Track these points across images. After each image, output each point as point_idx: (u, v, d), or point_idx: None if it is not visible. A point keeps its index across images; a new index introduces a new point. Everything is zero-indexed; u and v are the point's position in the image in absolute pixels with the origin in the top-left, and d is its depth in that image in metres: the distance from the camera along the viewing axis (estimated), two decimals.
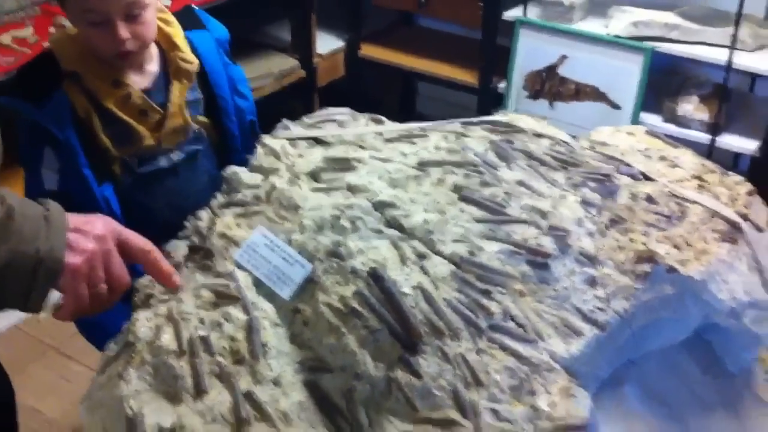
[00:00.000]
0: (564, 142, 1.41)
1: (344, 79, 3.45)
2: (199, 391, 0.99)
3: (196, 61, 1.57)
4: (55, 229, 1.02)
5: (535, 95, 3.07)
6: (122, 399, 1.00)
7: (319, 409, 1.00)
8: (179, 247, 1.24)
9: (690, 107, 2.88)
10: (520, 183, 1.22)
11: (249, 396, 0.98)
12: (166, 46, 1.56)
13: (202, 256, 1.19)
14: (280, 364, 1.03)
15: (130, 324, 1.07)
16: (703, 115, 2.86)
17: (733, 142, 2.87)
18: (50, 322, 2.74)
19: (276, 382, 1.01)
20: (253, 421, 0.97)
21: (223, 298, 1.09)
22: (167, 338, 1.04)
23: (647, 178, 1.36)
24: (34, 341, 2.69)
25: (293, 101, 3.26)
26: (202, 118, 1.62)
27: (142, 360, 1.03)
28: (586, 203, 1.21)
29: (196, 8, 1.67)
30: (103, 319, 1.22)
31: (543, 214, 1.16)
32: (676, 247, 1.20)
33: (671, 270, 1.14)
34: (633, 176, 1.34)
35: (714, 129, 2.85)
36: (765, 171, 2.82)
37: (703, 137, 2.84)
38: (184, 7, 1.68)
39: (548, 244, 1.11)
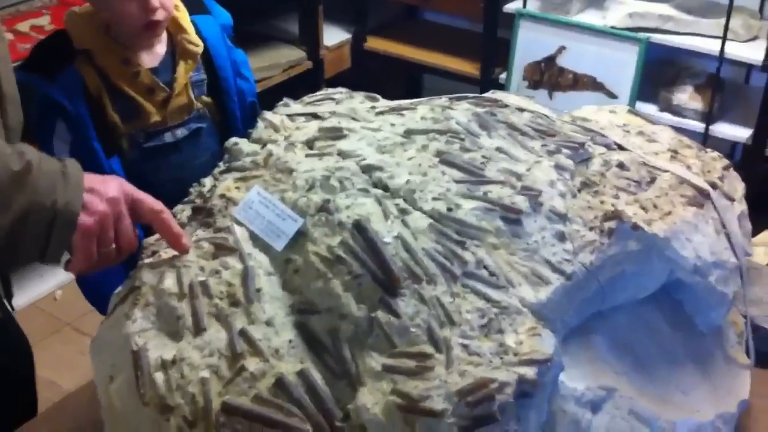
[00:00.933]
0: (545, 115, 1.50)
1: (350, 71, 3.56)
2: (198, 329, 1.09)
3: (201, 43, 1.68)
4: (72, 185, 1.10)
5: (534, 85, 3.16)
6: (128, 336, 1.10)
7: (308, 347, 1.10)
8: (184, 210, 1.35)
9: (685, 97, 2.97)
10: (499, 149, 1.31)
11: (243, 333, 1.08)
12: (174, 29, 1.67)
13: (204, 215, 1.29)
14: (272, 307, 1.12)
15: (135, 270, 1.18)
16: (698, 104, 2.95)
17: (726, 130, 2.96)
18: (66, 301, 2.88)
19: (268, 323, 1.11)
20: (247, 355, 1.07)
21: (222, 249, 1.19)
22: (170, 282, 1.14)
23: (621, 148, 1.45)
24: (51, 318, 2.81)
25: (300, 92, 3.37)
26: (206, 98, 1.72)
27: (147, 302, 1.13)
28: (559, 167, 1.30)
29: None
30: (108, 283, 1.32)
31: (518, 176, 1.25)
32: (643, 208, 1.29)
33: (636, 227, 1.23)
34: (607, 146, 1.43)
35: (708, 118, 2.93)
36: (756, 159, 2.91)
37: (698, 126, 2.93)
38: None
39: (521, 202, 1.20)
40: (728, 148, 3.08)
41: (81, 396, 1.53)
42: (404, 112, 1.46)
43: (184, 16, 1.68)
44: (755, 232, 1.75)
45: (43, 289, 2.92)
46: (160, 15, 1.56)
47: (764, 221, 2.04)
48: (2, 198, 1.06)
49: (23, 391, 1.67)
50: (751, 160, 2.93)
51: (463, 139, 1.32)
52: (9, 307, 1.62)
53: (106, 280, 1.54)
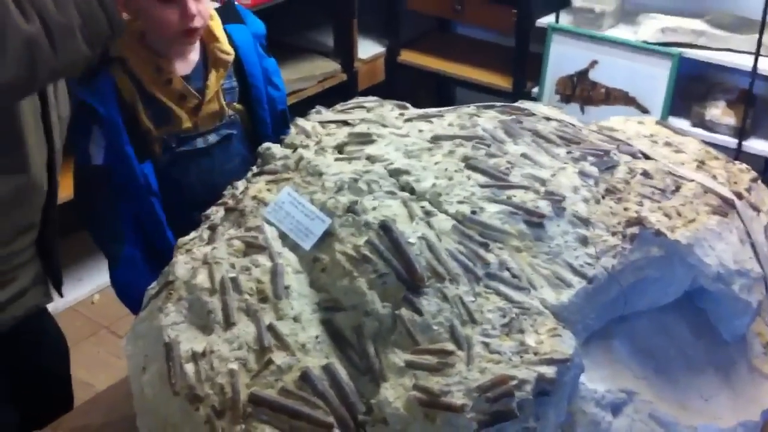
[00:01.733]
0: (571, 124, 1.52)
1: (384, 84, 3.60)
2: (228, 323, 1.13)
3: (232, 52, 1.73)
4: None
5: (566, 99, 3.18)
6: (161, 329, 1.14)
7: (333, 342, 1.13)
8: (218, 211, 1.39)
9: (717, 112, 2.96)
10: (524, 155, 1.34)
11: (271, 328, 1.12)
12: (207, 38, 1.72)
13: (236, 215, 1.34)
14: (300, 304, 1.16)
15: (169, 266, 1.22)
16: (730, 119, 2.95)
17: (759, 146, 2.95)
18: (103, 304, 2.95)
19: (296, 319, 1.14)
20: (274, 349, 1.10)
21: (252, 247, 1.23)
22: (202, 278, 1.18)
23: (647, 157, 1.47)
24: (88, 321, 2.88)
25: (334, 104, 3.42)
26: (237, 105, 1.77)
27: (180, 296, 1.17)
28: (583, 174, 1.32)
29: (237, 4, 1.84)
30: (140, 285, 1.37)
31: (542, 182, 1.27)
32: (666, 215, 1.31)
33: (658, 233, 1.25)
34: (633, 154, 1.45)
35: (740, 133, 2.93)
36: None
37: (731, 141, 2.93)
38: (226, 2, 1.85)
39: (545, 206, 1.22)
40: (761, 164, 3.07)
41: (114, 393, 1.58)
42: (432, 119, 1.49)
43: (217, 25, 1.73)
44: None
45: (82, 292, 2.99)
46: (197, 22, 1.61)
47: None
48: None
49: (59, 386, 1.72)
50: None
51: (488, 145, 1.35)
52: (59, 294, 1.69)
53: (138, 282, 1.60)
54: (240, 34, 1.76)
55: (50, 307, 1.73)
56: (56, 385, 1.74)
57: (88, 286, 3.01)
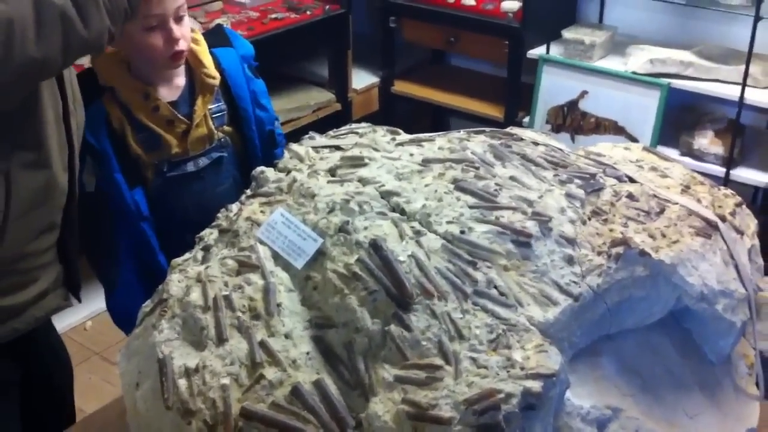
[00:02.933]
0: (559, 149, 1.56)
1: (378, 114, 3.65)
2: (221, 340, 1.15)
3: (218, 76, 1.77)
4: None
5: (557, 129, 3.22)
6: (155, 345, 1.16)
7: (324, 358, 1.15)
8: (212, 233, 1.42)
9: (705, 141, 3.01)
10: (512, 178, 1.37)
11: (263, 345, 1.14)
12: (193, 63, 1.76)
13: (230, 236, 1.36)
14: (291, 321, 1.18)
15: (163, 284, 1.24)
16: (718, 148, 2.99)
17: (747, 175, 2.99)
18: (96, 331, 2.96)
19: (287, 336, 1.16)
20: (266, 365, 1.12)
21: (245, 266, 1.25)
22: (195, 296, 1.20)
23: (633, 181, 1.50)
24: (81, 347, 2.89)
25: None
26: (227, 128, 1.81)
27: (173, 314, 1.19)
28: (570, 196, 1.35)
29: (225, 27, 1.89)
30: (133, 306, 1.40)
31: (529, 203, 1.30)
32: (651, 236, 1.34)
33: (643, 253, 1.27)
34: (618, 178, 1.49)
35: (728, 162, 2.97)
36: None
37: (719, 170, 2.97)
38: (215, 25, 1.90)
39: (532, 227, 1.25)
40: (750, 194, 3.11)
41: (106, 413, 1.59)
42: (423, 143, 1.52)
43: (203, 51, 1.77)
44: None
45: (75, 319, 3.00)
46: (182, 45, 1.66)
47: None
48: None
49: (62, 398, 1.74)
50: None
51: (477, 168, 1.38)
52: (78, 300, 1.72)
53: (135, 307, 1.62)
54: (227, 57, 1.80)
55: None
56: (61, 398, 1.75)
57: (81, 313, 3.02)
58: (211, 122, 1.75)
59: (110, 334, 2.82)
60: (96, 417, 1.59)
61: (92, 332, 2.96)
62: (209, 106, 1.75)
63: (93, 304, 3.03)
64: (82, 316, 3.01)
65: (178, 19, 1.65)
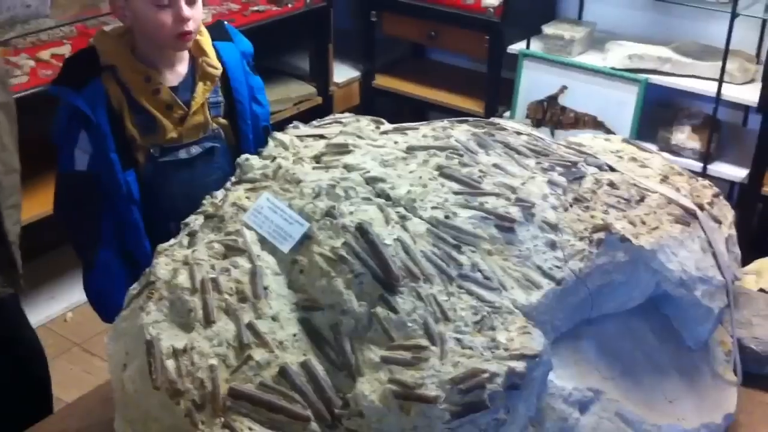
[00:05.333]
0: (541, 138, 1.58)
1: (359, 107, 3.66)
2: (208, 321, 1.16)
3: (220, 67, 1.79)
4: None
5: (537, 124, 3.25)
6: (143, 327, 1.17)
7: (311, 340, 1.16)
8: (197, 219, 1.42)
9: (683, 136, 3.05)
10: (495, 165, 1.39)
11: (251, 326, 1.15)
12: (196, 52, 1.78)
13: (216, 221, 1.37)
14: (278, 303, 1.19)
15: (151, 267, 1.25)
16: (695, 144, 3.03)
17: (724, 170, 3.03)
18: (76, 322, 2.95)
19: (274, 318, 1.18)
20: (253, 346, 1.13)
21: (232, 250, 1.26)
22: (183, 278, 1.21)
23: (613, 170, 1.53)
24: (61, 339, 2.87)
25: None
26: (222, 120, 1.82)
27: (161, 296, 1.20)
28: (552, 183, 1.37)
29: (226, 23, 1.91)
30: (113, 292, 1.40)
31: (513, 189, 1.32)
32: (631, 223, 1.36)
33: (623, 239, 1.30)
34: (599, 167, 1.51)
35: (705, 157, 3.01)
36: (753, 198, 2.98)
37: (696, 165, 3.01)
38: (216, 21, 1.93)
39: (515, 212, 1.27)
40: (727, 188, 3.15)
41: (90, 399, 1.59)
42: (407, 131, 1.54)
43: (206, 41, 1.79)
44: None
45: (55, 310, 2.99)
46: (190, 26, 1.68)
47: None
48: None
49: (38, 390, 1.74)
50: (748, 200, 3.00)
51: (461, 155, 1.40)
52: (20, 284, 1.71)
53: (111, 289, 1.63)
54: (228, 51, 1.83)
55: None
56: (35, 389, 1.75)
57: (61, 304, 3.01)
58: (208, 111, 1.77)
59: (91, 325, 2.82)
60: (77, 405, 1.59)
61: (72, 324, 2.94)
62: (207, 96, 1.76)
63: (73, 296, 3.03)
64: (62, 308, 3.00)
65: (190, 1, 1.67)
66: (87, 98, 1.64)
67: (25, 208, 2.73)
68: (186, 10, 1.65)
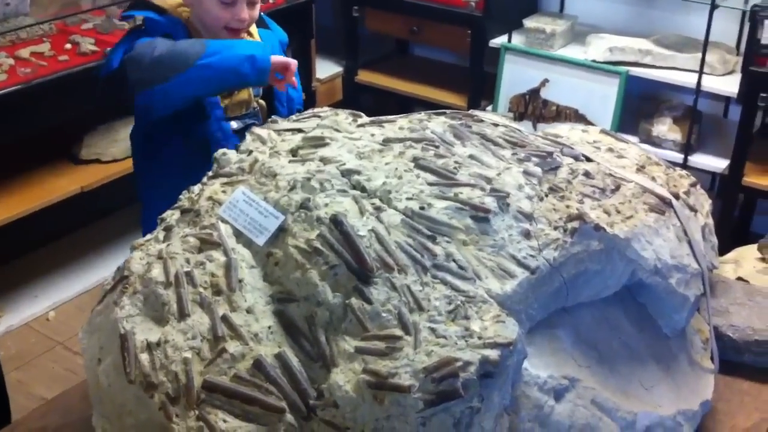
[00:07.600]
0: (518, 129, 1.58)
1: (342, 103, 3.66)
2: (182, 315, 1.16)
3: None
4: None
5: (519, 117, 3.26)
6: (117, 321, 1.16)
7: (285, 332, 1.16)
8: (173, 214, 1.42)
9: (664, 128, 3.06)
10: (471, 156, 1.39)
11: (225, 319, 1.15)
12: (247, 35, 1.93)
13: (192, 215, 1.37)
14: (253, 296, 1.19)
15: (125, 261, 1.25)
16: (676, 135, 3.04)
17: (705, 161, 3.05)
18: (58, 321, 2.94)
19: (249, 311, 1.17)
20: (228, 338, 1.13)
21: (207, 243, 1.26)
22: (157, 272, 1.21)
23: (589, 160, 1.53)
24: (43, 338, 2.87)
25: None
26: (261, 101, 2.00)
27: (135, 290, 1.20)
28: (528, 174, 1.38)
29: (263, 14, 2.07)
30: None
31: (488, 180, 1.33)
32: (606, 212, 1.37)
33: (598, 228, 1.30)
34: (575, 157, 1.51)
35: (686, 149, 3.03)
36: (733, 188, 2.99)
37: (677, 156, 3.03)
38: None
39: (490, 202, 1.28)
40: (708, 179, 3.17)
41: (70, 396, 1.59)
42: (384, 124, 1.54)
43: (254, 27, 1.96)
44: None
45: (37, 309, 2.98)
46: (243, 25, 1.85)
47: None
48: None
49: None
50: (728, 190, 3.02)
51: (437, 147, 1.40)
52: None
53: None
54: (269, 38, 2.00)
55: (5, 323, 1.72)
56: None
57: (43, 303, 3.00)
58: (251, 90, 1.93)
59: (73, 324, 2.81)
60: (58, 401, 1.58)
61: (55, 322, 2.93)
62: None
63: (55, 294, 3.02)
64: (45, 306, 3.00)
65: (251, 4, 1.83)
66: (169, 23, 1.80)
67: (3, 209, 2.73)
68: (245, 13, 1.82)
